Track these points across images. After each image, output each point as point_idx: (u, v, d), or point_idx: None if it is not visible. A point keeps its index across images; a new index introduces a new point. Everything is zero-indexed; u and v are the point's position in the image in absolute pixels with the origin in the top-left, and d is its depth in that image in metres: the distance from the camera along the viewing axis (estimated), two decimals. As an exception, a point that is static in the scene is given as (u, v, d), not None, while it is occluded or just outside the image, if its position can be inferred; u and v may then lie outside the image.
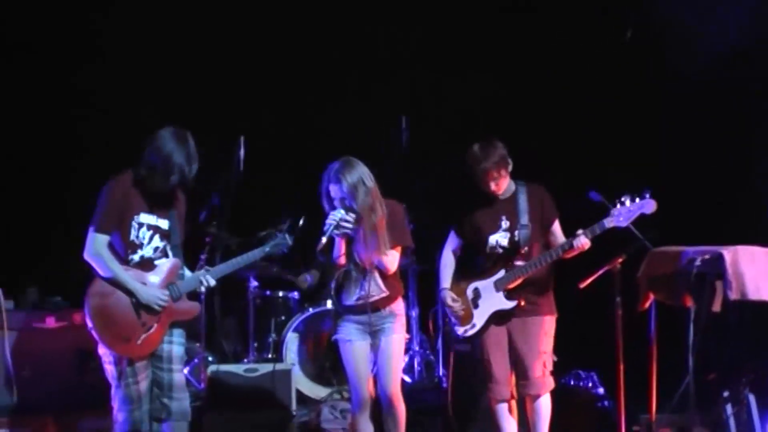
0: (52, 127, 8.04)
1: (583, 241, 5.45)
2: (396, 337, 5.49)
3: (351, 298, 5.49)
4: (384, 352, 5.47)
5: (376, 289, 5.45)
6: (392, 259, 5.44)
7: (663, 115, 7.87)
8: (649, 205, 5.46)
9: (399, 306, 5.53)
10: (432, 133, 8.10)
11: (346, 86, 8.53)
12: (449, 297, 5.75)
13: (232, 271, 5.40)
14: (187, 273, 5.35)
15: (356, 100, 8.48)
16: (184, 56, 8.29)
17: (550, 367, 5.67)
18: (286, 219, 5.53)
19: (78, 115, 8.07)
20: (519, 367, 5.68)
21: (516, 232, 5.62)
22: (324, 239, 5.34)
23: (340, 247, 5.43)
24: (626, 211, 5.44)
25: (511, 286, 5.60)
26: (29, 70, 7.95)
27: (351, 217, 5.34)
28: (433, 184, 7.90)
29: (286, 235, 5.49)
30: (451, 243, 5.86)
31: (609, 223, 5.46)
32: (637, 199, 5.46)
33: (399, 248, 5.50)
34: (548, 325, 5.66)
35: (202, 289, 5.33)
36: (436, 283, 5.90)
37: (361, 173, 5.36)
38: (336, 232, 5.34)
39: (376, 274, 5.45)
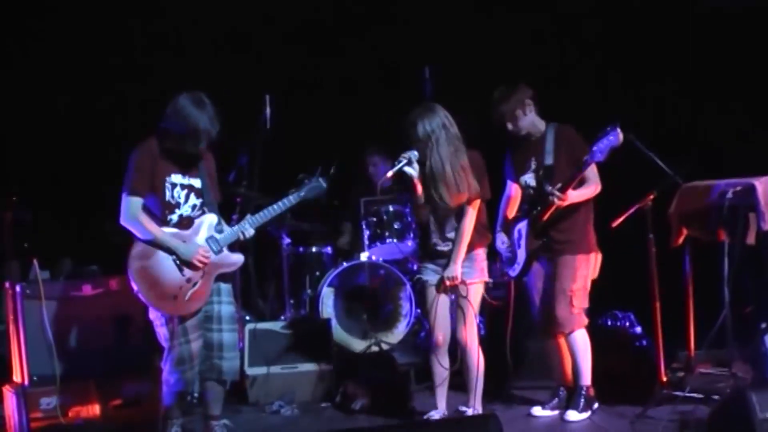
0: (85, 99, 8.03)
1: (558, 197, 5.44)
2: (471, 286, 5.51)
3: (429, 243, 5.60)
4: (457, 299, 5.54)
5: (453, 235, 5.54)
6: (470, 219, 5.49)
7: (692, 44, 7.76)
8: (616, 137, 5.27)
9: (478, 252, 5.58)
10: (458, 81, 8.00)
11: (370, 39, 8.45)
12: (499, 239, 5.88)
13: (271, 218, 5.45)
14: (226, 228, 5.40)
15: (379, 51, 8.39)
16: (209, 16, 8.25)
17: (581, 304, 5.66)
18: (318, 165, 5.54)
19: (113, 81, 8.04)
20: (547, 305, 5.73)
21: (540, 173, 5.68)
22: (390, 173, 5.44)
23: (417, 191, 5.48)
24: (604, 146, 5.30)
25: (540, 224, 5.64)
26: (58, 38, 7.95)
27: (415, 157, 5.39)
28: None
29: (320, 179, 5.51)
30: (507, 188, 5.95)
31: (591, 159, 5.37)
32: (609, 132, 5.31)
33: (477, 202, 5.54)
34: (579, 262, 5.65)
35: (242, 238, 5.39)
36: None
37: (436, 123, 5.39)
38: (406, 170, 5.38)
39: (455, 222, 5.52)
